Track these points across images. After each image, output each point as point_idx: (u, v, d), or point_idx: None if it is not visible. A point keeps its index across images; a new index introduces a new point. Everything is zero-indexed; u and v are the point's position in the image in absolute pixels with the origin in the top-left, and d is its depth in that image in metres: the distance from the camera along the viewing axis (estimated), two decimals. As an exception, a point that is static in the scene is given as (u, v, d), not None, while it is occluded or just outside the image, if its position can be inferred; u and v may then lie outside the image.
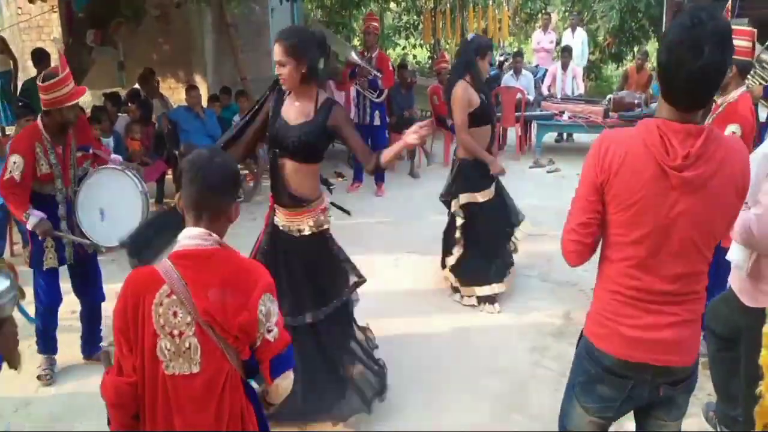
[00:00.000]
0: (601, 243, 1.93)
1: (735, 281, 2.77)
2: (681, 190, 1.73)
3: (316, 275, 3.10)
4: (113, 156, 3.86)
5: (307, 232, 3.05)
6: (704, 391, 3.38)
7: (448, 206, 4.58)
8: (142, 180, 3.80)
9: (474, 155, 4.33)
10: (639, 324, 1.85)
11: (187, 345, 1.72)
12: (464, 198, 4.41)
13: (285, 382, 1.88)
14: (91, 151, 3.82)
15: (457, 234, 4.46)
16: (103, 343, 3.94)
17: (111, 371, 1.81)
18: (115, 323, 1.77)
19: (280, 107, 3.00)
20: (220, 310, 1.72)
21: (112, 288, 4.84)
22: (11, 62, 8.35)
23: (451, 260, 4.54)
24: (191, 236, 1.77)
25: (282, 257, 3.08)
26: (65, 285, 3.83)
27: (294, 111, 2.98)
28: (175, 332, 1.72)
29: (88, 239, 3.65)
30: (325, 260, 3.15)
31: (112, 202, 3.67)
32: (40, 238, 3.51)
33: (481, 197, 4.40)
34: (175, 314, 1.71)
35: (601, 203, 1.84)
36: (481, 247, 4.47)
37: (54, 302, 3.73)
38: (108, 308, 4.35)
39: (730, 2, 3.61)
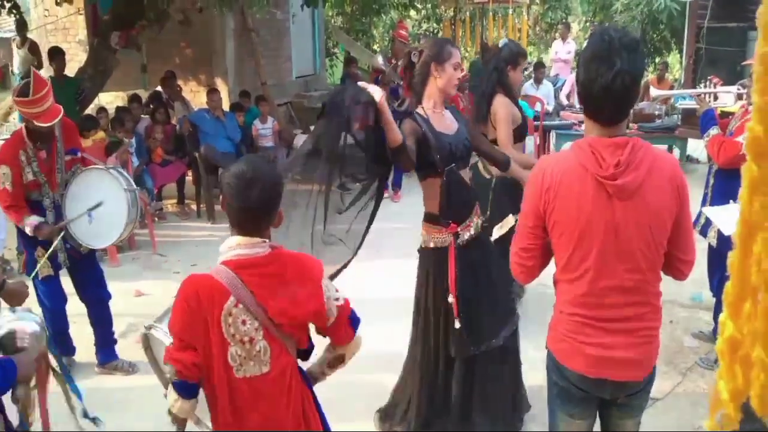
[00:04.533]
0: (554, 264, 2.03)
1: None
2: (617, 197, 1.84)
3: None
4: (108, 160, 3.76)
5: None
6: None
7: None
8: (128, 176, 3.67)
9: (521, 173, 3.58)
10: (599, 343, 1.95)
11: (257, 349, 1.81)
12: (513, 220, 3.69)
13: (360, 337, 2.04)
14: (79, 154, 3.74)
15: None
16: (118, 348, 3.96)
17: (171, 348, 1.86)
18: (174, 329, 1.84)
19: (431, 124, 2.85)
20: (291, 307, 1.81)
21: (131, 285, 4.96)
22: (36, 63, 8.51)
23: None
24: (246, 245, 1.81)
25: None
26: (69, 286, 3.84)
27: (445, 122, 2.91)
28: (246, 339, 1.79)
29: (78, 240, 3.60)
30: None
31: (98, 204, 3.58)
32: (40, 239, 3.50)
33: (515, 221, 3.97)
34: (243, 322, 1.79)
35: (543, 229, 1.97)
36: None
37: (58, 304, 3.73)
38: (126, 307, 4.45)
39: None
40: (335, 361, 2.07)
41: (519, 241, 2.05)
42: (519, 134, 3.87)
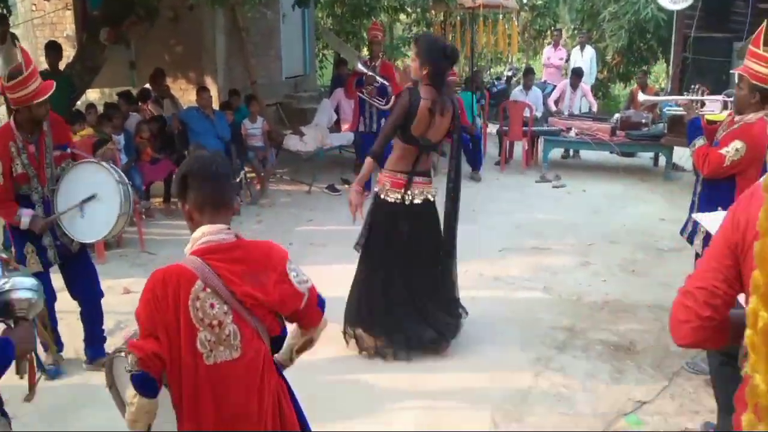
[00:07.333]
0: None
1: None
2: None
3: None
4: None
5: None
6: (706, 407, 3.40)
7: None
8: (119, 171, 3.67)
9: None
10: None
11: (227, 332, 1.81)
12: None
13: (326, 319, 2.10)
14: (68, 150, 3.67)
15: None
16: (108, 347, 3.91)
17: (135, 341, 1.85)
18: (139, 317, 1.83)
19: None
20: (260, 290, 1.83)
21: (119, 282, 4.92)
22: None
23: None
24: (212, 232, 1.85)
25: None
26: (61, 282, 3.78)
27: None
28: (215, 323, 1.80)
29: (70, 236, 3.57)
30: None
31: (92, 196, 3.55)
32: (37, 232, 3.45)
33: None
34: (212, 306, 1.79)
35: (738, 271, 1.37)
36: None
37: (48, 302, 3.58)
38: (113, 304, 4.41)
39: (764, 25, 3.28)
40: (305, 344, 2.11)
41: (700, 277, 1.44)
42: None
